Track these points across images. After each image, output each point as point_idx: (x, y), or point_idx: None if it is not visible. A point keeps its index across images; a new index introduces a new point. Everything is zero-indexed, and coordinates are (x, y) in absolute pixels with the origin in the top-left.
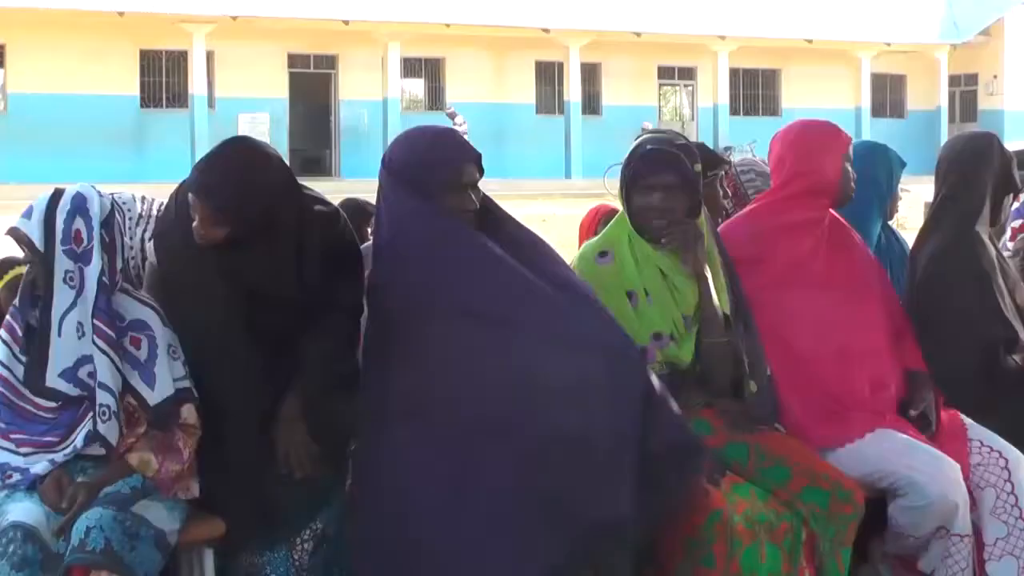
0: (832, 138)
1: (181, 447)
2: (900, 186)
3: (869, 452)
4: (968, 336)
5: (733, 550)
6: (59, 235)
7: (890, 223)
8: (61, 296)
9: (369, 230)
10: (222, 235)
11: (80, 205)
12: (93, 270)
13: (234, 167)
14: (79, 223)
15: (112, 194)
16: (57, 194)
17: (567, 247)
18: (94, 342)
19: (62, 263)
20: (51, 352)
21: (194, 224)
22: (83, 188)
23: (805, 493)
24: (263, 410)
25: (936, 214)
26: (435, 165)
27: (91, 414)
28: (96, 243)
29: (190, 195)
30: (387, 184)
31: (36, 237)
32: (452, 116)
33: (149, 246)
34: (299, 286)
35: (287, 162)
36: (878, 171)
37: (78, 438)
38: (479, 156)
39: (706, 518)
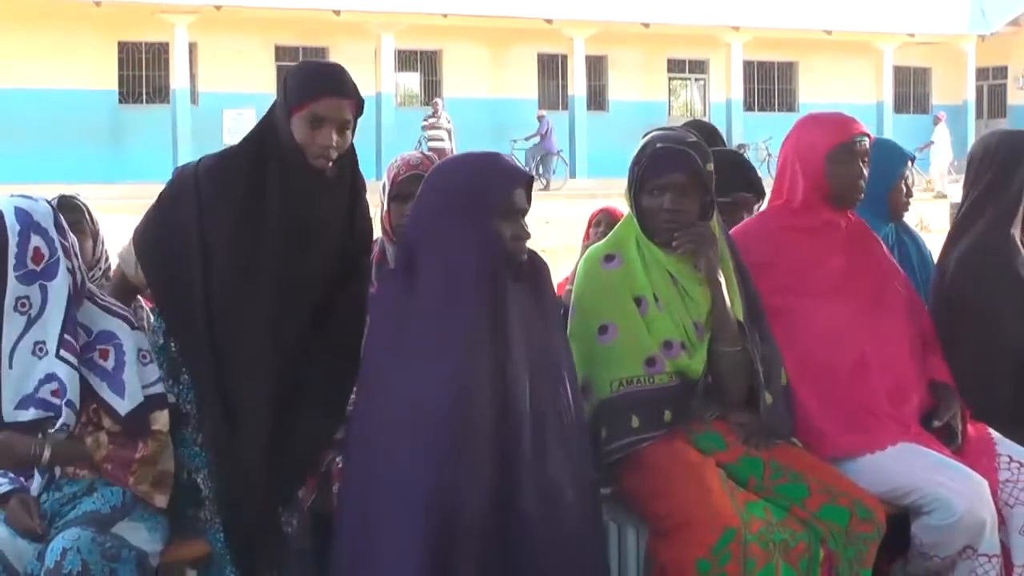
0: (821, 135)
1: (134, 457)
2: (911, 183)
3: (893, 466)
4: (999, 346)
5: (747, 571)
6: (11, 261)
7: (908, 225)
8: (10, 326)
9: None
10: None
11: (28, 220)
12: (60, 283)
13: (327, 62)
14: (36, 240)
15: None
16: None
17: (571, 252)
18: (61, 356)
19: (14, 291)
20: (3, 387)
21: (335, 138)
22: (18, 202)
23: (823, 511)
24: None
25: (966, 216)
26: (486, 190)
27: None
28: (60, 253)
29: (318, 104)
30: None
31: None
32: (436, 108)
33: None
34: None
35: None
36: (872, 166)
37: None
38: (531, 180)
39: (719, 538)
